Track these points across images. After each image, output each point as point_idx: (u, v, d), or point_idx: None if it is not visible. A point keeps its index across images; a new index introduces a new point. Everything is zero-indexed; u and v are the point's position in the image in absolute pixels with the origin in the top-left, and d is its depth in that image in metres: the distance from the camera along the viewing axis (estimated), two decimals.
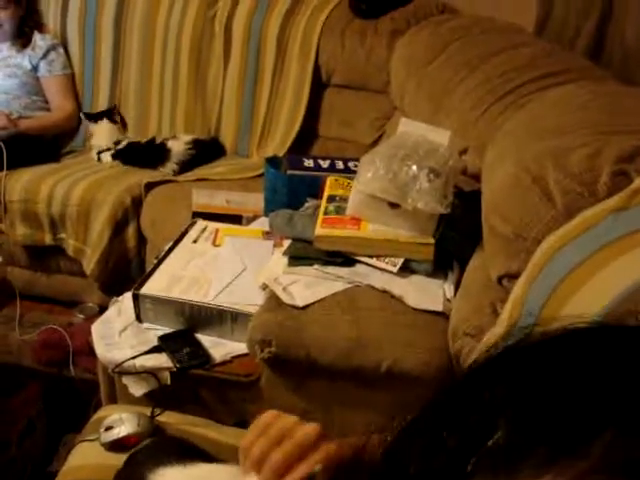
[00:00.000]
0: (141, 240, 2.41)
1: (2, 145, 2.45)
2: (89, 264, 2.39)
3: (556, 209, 1.26)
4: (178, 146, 2.62)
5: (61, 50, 2.86)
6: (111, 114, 2.68)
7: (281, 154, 2.49)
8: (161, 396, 1.58)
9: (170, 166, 2.55)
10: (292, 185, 1.87)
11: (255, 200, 2.15)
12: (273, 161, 2.01)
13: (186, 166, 2.57)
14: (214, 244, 1.84)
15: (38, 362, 2.35)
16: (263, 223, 1.93)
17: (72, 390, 2.25)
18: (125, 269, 2.41)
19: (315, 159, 1.95)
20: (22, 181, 2.44)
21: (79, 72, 2.90)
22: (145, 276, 1.72)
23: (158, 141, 2.67)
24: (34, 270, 2.56)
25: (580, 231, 1.14)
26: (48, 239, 2.44)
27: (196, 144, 2.67)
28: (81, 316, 2.49)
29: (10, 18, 2.75)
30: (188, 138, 2.69)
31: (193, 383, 1.59)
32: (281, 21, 2.65)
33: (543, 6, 2.18)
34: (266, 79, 2.71)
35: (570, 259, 1.12)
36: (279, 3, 2.67)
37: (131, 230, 2.40)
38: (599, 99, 1.48)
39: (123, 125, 2.70)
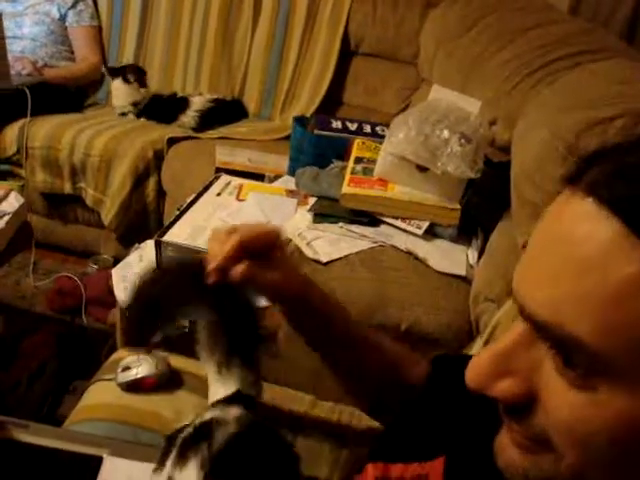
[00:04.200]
0: (160, 194, 2.41)
1: (27, 91, 2.44)
2: (107, 214, 2.39)
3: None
4: (200, 100, 2.62)
5: (89, 1, 2.84)
6: (125, 74, 2.65)
7: None
8: (177, 343, 1.59)
9: (190, 115, 2.55)
10: (319, 145, 1.87)
11: (278, 160, 2.15)
12: (300, 120, 2.01)
13: (207, 120, 2.57)
14: (238, 198, 1.84)
15: (51, 309, 2.36)
16: (287, 182, 1.93)
17: (83, 338, 2.26)
18: (143, 221, 2.42)
19: (343, 121, 1.94)
20: (45, 128, 2.43)
21: (106, 25, 2.89)
22: (168, 224, 1.72)
23: (179, 96, 2.67)
24: (51, 218, 2.56)
25: None
26: (67, 187, 2.44)
27: (218, 102, 2.67)
28: (95, 267, 2.49)
29: None
30: (211, 96, 2.69)
31: None
32: None
33: None
34: (294, 44, 2.70)
35: None
36: None
37: (151, 183, 2.40)
38: (638, 74, 1.47)
39: (141, 84, 2.67)
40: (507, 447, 0.49)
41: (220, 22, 2.76)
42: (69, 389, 2.04)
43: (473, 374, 0.48)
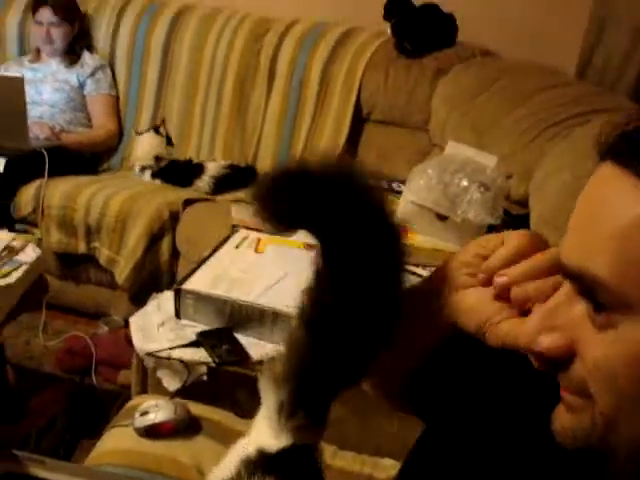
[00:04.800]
0: (174, 255, 2.42)
1: (44, 152, 2.49)
2: (121, 274, 2.39)
3: None
4: (214, 166, 2.67)
5: (108, 70, 2.93)
6: (157, 127, 2.73)
7: None
8: (195, 392, 1.57)
9: (206, 180, 2.59)
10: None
11: None
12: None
13: (221, 185, 2.61)
14: (256, 251, 1.85)
15: (61, 369, 2.33)
16: (305, 236, 1.94)
17: (93, 398, 2.22)
18: (156, 282, 2.41)
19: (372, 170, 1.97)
20: (62, 188, 2.47)
21: (124, 93, 2.97)
22: (187, 275, 1.72)
23: (196, 162, 2.72)
24: (63, 279, 2.55)
25: None
26: (82, 247, 2.45)
27: (232, 168, 2.71)
28: (106, 328, 2.47)
29: (62, 36, 2.84)
30: (225, 162, 2.74)
31: (229, 380, 1.58)
32: (326, 57, 2.72)
33: (585, 51, 2.24)
34: (307, 113, 2.77)
35: None
36: (325, 40, 2.75)
37: (166, 244, 2.41)
38: None
39: (168, 142, 2.74)
40: (560, 412, 0.53)
41: (235, 90, 2.84)
42: (78, 447, 1.99)
43: (524, 332, 0.53)
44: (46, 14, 2.80)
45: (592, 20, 2.18)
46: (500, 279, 0.59)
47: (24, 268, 1.76)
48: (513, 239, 0.61)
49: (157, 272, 2.42)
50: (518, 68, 2.29)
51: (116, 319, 2.52)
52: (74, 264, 2.52)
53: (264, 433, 0.65)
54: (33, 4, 2.86)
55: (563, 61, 2.32)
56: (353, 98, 2.67)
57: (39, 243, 2.21)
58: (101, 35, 2.99)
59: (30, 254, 1.83)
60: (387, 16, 2.65)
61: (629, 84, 2.13)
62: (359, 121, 2.69)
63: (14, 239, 1.85)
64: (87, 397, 2.20)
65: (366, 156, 2.67)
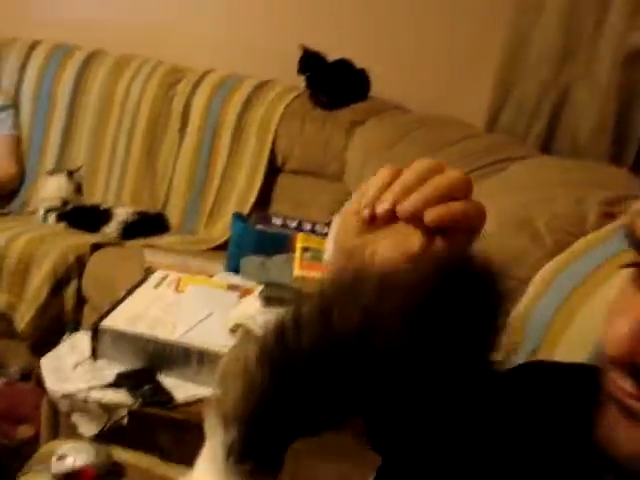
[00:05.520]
0: (80, 302, 2.30)
1: None
2: (22, 320, 2.24)
3: (546, 248, 1.31)
4: (122, 212, 2.58)
5: (12, 111, 2.81)
6: (70, 171, 2.64)
7: (228, 234, 2.47)
8: (113, 437, 1.46)
9: (114, 226, 2.49)
10: (260, 240, 1.86)
11: (207, 264, 2.12)
12: (240, 217, 2.00)
13: (130, 231, 2.52)
14: (177, 290, 1.78)
15: None
16: (225, 278, 1.89)
17: None
18: (59, 331, 2.26)
19: (284, 218, 1.96)
20: None
21: (28, 135, 2.84)
22: (102, 315, 1.63)
23: (103, 207, 2.63)
24: None
25: (578, 255, 1.18)
26: None
27: (141, 214, 2.63)
28: (2, 379, 2.30)
29: None
30: (134, 209, 2.66)
31: (151, 424, 1.48)
32: (241, 105, 2.72)
33: (494, 104, 2.35)
34: (220, 161, 2.73)
35: (570, 281, 1.15)
36: (239, 89, 2.75)
37: (71, 290, 2.28)
38: (575, 169, 1.58)
39: (77, 189, 2.65)
40: (625, 426, 0.48)
41: (146, 136, 2.78)
42: None
43: (618, 346, 0.47)
44: None
45: (501, 74, 2.30)
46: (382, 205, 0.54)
47: None
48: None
49: (60, 319, 2.28)
50: (431, 120, 2.36)
51: (13, 371, 2.35)
52: None
53: (207, 478, 0.57)
54: None
55: (472, 115, 2.43)
56: (267, 147, 2.67)
57: None
58: (6, 74, 2.87)
59: None
60: (302, 70, 2.69)
61: (538, 136, 2.24)
62: (273, 171, 2.69)
63: None
64: None
65: (281, 206, 2.65)
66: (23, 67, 2.86)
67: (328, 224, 1.74)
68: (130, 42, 2.95)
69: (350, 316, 0.48)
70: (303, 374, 0.50)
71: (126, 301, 1.72)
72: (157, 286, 1.81)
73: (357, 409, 0.52)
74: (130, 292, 1.77)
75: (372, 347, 0.48)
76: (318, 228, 1.95)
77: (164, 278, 1.86)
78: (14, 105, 2.83)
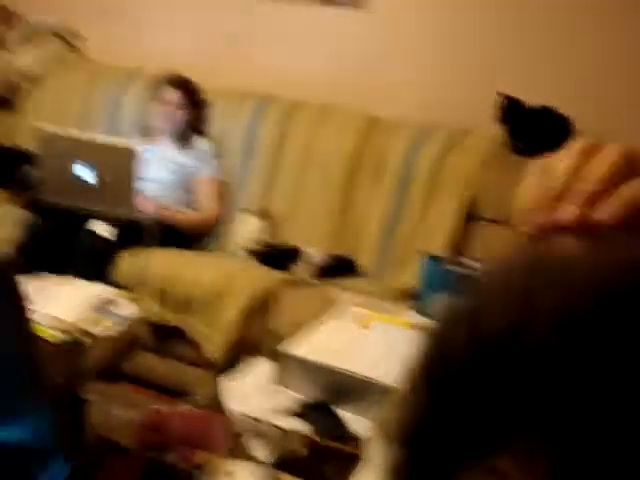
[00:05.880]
0: (268, 334, 2.33)
1: (146, 223, 2.51)
2: (214, 350, 2.31)
3: None
4: (314, 253, 2.62)
5: (219, 157, 2.98)
6: (265, 213, 2.75)
7: (418, 279, 2.41)
8: (282, 463, 1.43)
9: (304, 267, 2.53)
10: (452, 281, 1.79)
11: (400, 308, 2.07)
12: (431, 257, 1.94)
13: (320, 273, 2.55)
14: (362, 326, 1.75)
15: (137, 442, 2.21)
16: (412, 317, 1.83)
17: (168, 477, 2.09)
18: (246, 360, 2.32)
19: (477, 260, 1.87)
20: (160, 260, 2.46)
21: (232, 178, 3.00)
22: (288, 342, 1.63)
23: (296, 248, 2.69)
24: (151, 351, 2.49)
25: None
26: (175, 319, 2.40)
27: (332, 257, 2.66)
28: (188, 407, 2.37)
29: (183, 118, 2.93)
30: (326, 251, 2.69)
31: (323, 455, 1.44)
32: (436, 154, 2.69)
33: None
34: (413, 207, 2.71)
35: None
36: (436, 137, 2.73)
37: (262, 322, 2.33)
38: None
39: (271, 230, 2.76)
40: None
41: (342, 183, 2.83)
42: None
43: None
44: (172, 94, 2.91)
45: None
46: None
47: (122, 322, 1.70)
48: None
49: (249, 349, 2.32)
50: None
51: (199, 398, 2.42)
52: (164, 337, 2.46)
53: None
54: (161, 82, 2.97)
55: None
56: (463, 195, 2.60)
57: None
58: (217, 122, 3.06)
59: (130, 311, 1.79)
60: (503, 118, 2.62)
61: None
62: (468, 219, 2.61)
63: (116, 294, 1.81)
64: (162, 474, 2.07)
65: (473, 253, 2.56)
66: (231, 115, 3.03)
67: None
68: (328, 92, 3.05)
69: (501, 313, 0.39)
70: (459, 386, 0.43)
71: (311, 332, 1.70)
72: (343, 321, 1.79)
73: (525, 423, 0.43)
74: (316, 325, 1.76)
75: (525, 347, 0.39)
76: None
77: (351, 314, 1.83)
78: (221, 150, 3.01)
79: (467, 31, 2.92)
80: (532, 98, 2.60)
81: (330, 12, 3.17)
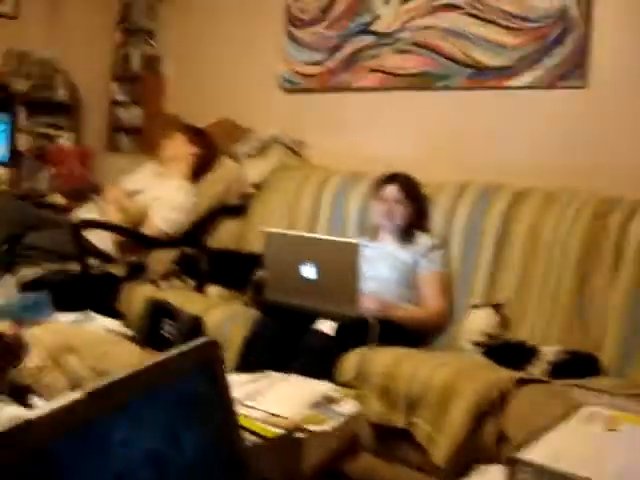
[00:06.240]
0: (499, 439, 2.13)
1: (374, 322, 2.46)
2: (440, 453, 2.14)
3: None
4: (551, 351, 2.39)
5: (443, 250, 2.91)
6: (497, 306, 2.62)
7: None
8: None
9: (540, 365, 2.31)
10: None
11: None
12: None
13: (558, 372, 2.31)
14: (609, 429, 1.51)
15: None
16: None
17: None
18: (474, 466, 2.12)
19: None
20: (385, 358, 2.38)
21: (457, 272, 2.90)
22: (523, 446, 1.44)
23: (529, 345, 2.47)
24: (375, 454, 2.38)
25: None
26: (401, 420, 2.28)
27: (571, 354, 2.41)
28: None
29: (403, 214, 2.92)
30: (563, 348, 2.45)
31: None
32: None
33: None
34: None
35: None
36: None
37: (492, 425, 2.13)
38: None
39: (503, 324, 2.59)
40: None
41: (577, 269, 2.60)
42: None
43: None
44: (392, 191, 2.93)
45: None
46: None
47: (340, 419, 1.62)
48: None
49: (478, 456, 2.13)
50: None
51: None
52: (388, 438, 2.34)
53: None
54: (380, 181, 3.01)
55: None
56: None
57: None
58: (438, 216, 3.01)
59: (349, 408, 1.71)
60: None
61: None
62: None
63: (337, 391, 1.74)
64: None
65: None
66: (453, 209, 2.97)
67: None
68: (554, 178, 2.88)
69: None
70: None
71: (549, 435, 1.50)
72: (586, 423, 1.56)
73: None
74: (554, 427, 1.55)
75: None
76: None
77: (594, 414, 1.60)
78: (445, 244, 2.92)
79: None
80: None
81: (551, 95, 3.05)
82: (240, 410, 1.54)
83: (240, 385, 1.81)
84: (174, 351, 0.77)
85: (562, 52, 3.00)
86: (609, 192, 2.71)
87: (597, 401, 1.87)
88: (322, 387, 1.78)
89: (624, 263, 2.53)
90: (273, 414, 1.59)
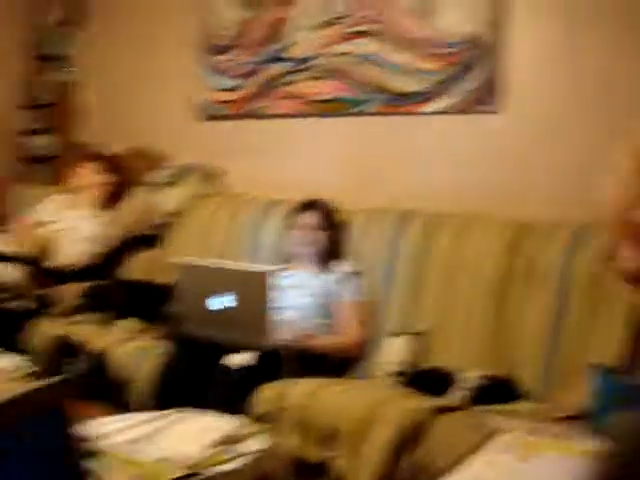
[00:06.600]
0: (417, 471, 2.05)
1: (288, 352, 2.38)
2: None
3: None
4: (469, 377, 2.35)
5: (360, 278, 2.85)
6: (415, 334, 2.60)
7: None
8: None
9: (458, 392, 2.26)
10: (632, 397, 1.47)
11: (568, 434, 1.75)
12: (601, 369, 1.63)
13: (478, 398, 2.26)
14: (521, 459, 1.46)
15: None
16: (584, 443, 1.51)
17: None
18: None
19: None
20: (302, 388, 2.30)
21: (375, 299, 2.83)
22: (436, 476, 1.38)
23: (448, 371, 2.42)
24: None
25: None
26: (318, 455, 2.18)
27: (491, 379, 2.37)
28: None
29: (320, 241, 2.87)
30: (479, 373, 2.41)
31: None
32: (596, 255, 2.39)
33: None
34: (574, 313, 2.41)
35: None
36: (595, 236, 2.44)
37: (410, 458, 2.06)
38: None
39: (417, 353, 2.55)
40: None
41: (492, 292, 2.58)
42: None
43: None
44: (310, 218, 2.88)
45: None
46: None
47: (248, 458, 1.52)
48: None
49: None
50: None
51: None
52: (306, 474, 2.24)
53: None
54: (298, 208, 2.95)
55: None
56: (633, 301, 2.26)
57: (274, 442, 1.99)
58: (355, 243, 2.95)
59: (259, 445, 1.61)
60: None
61: None
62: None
63: (244, 426, 1.64)
64: None
65: None
66: (370, 234, 2.91)
67: None
68: (474, 202, 2.87)
69: None
70: None
71: (464, 467, 1.44)
72: (500, 452, 1.51)
73: None
74: (470, 457, 1.49)
75: None
76: None
77: (510, 443, 1.55)
78: (362, 271, 2.87)
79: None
80: None
81: (466, 120, 3.06)
82: (130, 453, 1.43)
83: (141, 424, 1.70)
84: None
85: (476, 77, 3.01)
86: (524, 215, 2.71)
87: (514, 426, 1.83)
88: (230, 424, 1.68)
89: (539, 286, 2.52)
90: (176, 453, 1.48)
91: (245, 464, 1.53)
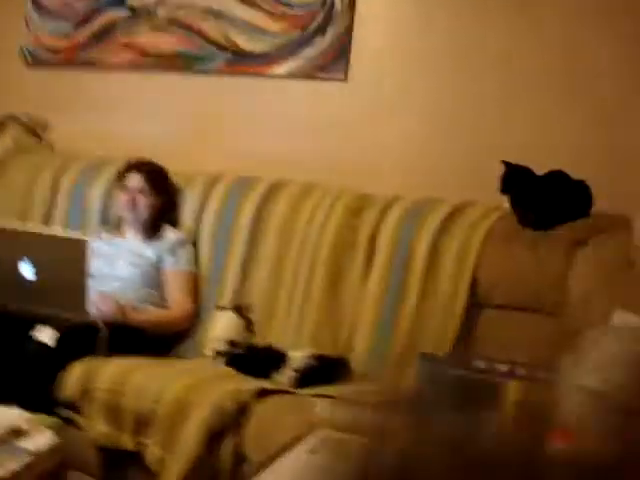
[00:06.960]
0: (238, 458, 1.92)
1: (103, 327, 2.16)
2: (171, 478, 1.89)
3: None
4: (299, 356, 2.23)
5: (190, 247, 2.65)
6: (241, 309, 2.44)
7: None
8: None
9: (287, 373, 2.13)
10: (457, 390, 1.39)
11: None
12: (428, 358, 1.55)
13: (306, 379, 2.15)
14: (332, 461, 1.35)
15: None
16: None
17: None
18: None
19: (489, 360, 1.46)
20: (113, 369, 2.09)
21: (206, 271, 2.65)
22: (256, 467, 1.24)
23: (276, 350, 2.30)
24: None
25: None
26: (128, 442, 2.00)
27: (320, 359, 2.26)
28: None
29: (148, 206, 2.63)
30: (311, 352, 2.29)
31: None
32: (434, 232, 2.34)
33: None
34: (411, 295, 2.34)
35: None
36: (433, 213, 2.39)
37: (229, 444, 1.92)
38: None
39: (248, 328, 2.40)
40: None
41: (328, 271, 2.47)
42: None
43: None
44: (135, 180, 2.62)
45: None
46: None
47: (25, 459, 1.31)
48: None
49: (215, 479, 1.91)
50: None
51: None
52: (118, 462, 2.05)
53: None
54: (124, 169, 2.69)
55: None
56: (467, 279, 2.24)
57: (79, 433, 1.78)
58: (188, 210, 2.74)
59: (43, 441, 1.40)
60: (504, 188, 2.29)
61: None
62: (475, 306, 2.24)
63: (27, 419, 1.42)
64: None
65: (484, 348, 2.17)
66: (204, 201, 2.72)
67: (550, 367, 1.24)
68: (313, 171, 2.75)
69: None
70: None
71: (274, 467, 1.31)
72: (314, 451, 1.39)
73: None
74: (281, 456, 1.37)
75: None
76: (540, 374, 1.43)
77: (325, 441, 1.44)
78: (193, 241, 2.67)
79: (461, 99, 2.65)
80: (539, 165, 2.28)
81: (311, 85, 2.93)
82: None
83: None
84: None
85: (323, 43, 2.89)
86: (365, 188, 2.62)
87: (341, 416, 1.73)
88: (9, 417, 1.45)
89: (377, 261, 2.43)
90: None
91: (27, 464, 1.32)
